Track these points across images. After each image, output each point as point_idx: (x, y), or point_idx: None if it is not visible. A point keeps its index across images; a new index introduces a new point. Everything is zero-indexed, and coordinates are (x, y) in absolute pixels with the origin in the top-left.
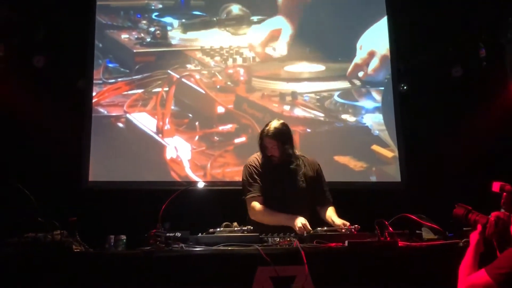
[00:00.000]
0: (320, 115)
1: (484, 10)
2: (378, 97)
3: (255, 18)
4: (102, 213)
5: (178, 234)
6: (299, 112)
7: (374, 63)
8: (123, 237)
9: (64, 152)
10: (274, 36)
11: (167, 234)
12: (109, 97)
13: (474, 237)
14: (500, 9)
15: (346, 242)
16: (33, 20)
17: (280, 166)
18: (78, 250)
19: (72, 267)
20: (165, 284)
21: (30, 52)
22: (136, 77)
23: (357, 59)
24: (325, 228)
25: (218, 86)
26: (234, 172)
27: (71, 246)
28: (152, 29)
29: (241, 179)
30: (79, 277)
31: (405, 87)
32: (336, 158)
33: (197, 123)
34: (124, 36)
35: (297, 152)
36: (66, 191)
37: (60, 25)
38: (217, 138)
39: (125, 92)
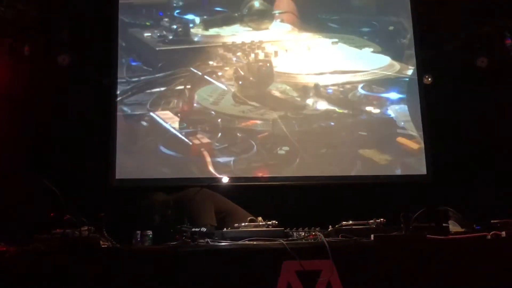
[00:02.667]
0: (344, 108)
1: None
2: (402, 88)
3: (277, 12)
4: (128, 210)
5: (204, 229)
6: (322, 105)
7: None
8: (149, 232)
9: (91, 151)
10: (296, 29)
11: (193, 229)
12: (132, 96)
13: None
14: None
15: (372, 236)
16: (57, 19)
17: None
18: (105, 246)
19: (99, 262)
20: (191, 279)
21: (55, 51)
22: (159, 75)
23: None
24: (351, 221)
25: (240, 82)
26: (258, 168)
27: (99, 241)
28: (174, 26)
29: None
30: (106, 272)
31: (429, 79)
32: (361, 151)
33: (219, 120)
34: (146, 34)
35: None
36: (94, 189)
37: (83, 25)
38: (240, 135)
39: (148, 91)
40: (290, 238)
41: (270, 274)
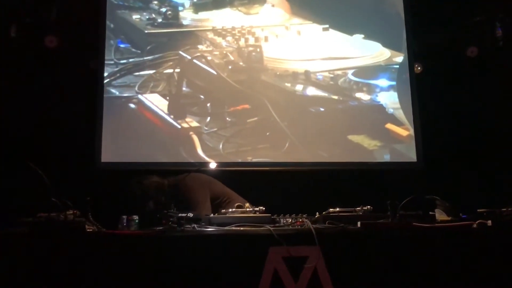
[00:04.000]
0: (334, 94)
1: None
2: (392, 75)
3: None
4: (115, 194)
5: (191, 215)
6: (312, 91)
7: None
8: (136, 217)
9: (77, 133)
10: (286, 15)
11: (180, 215)
12: (120, 78)
13: None
14: None
15: (359, 223)
16: (44, 0)
17: None
18: (91, 230)
19: (84, 246)
20: (177, 264)
21: (42, 32)
22: (148, 58)
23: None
24: (338, 208)
25: (230, 67)
26: (247, 152)
27: (84, 226)
28: (163, 9)
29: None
30: (92, 256)
31: (419, 68)
32: (350, 137)
33: (208, 104)
34: (135, 16)
35: None
36: (79, 172)
37: (71, 5)
38: (229, 119)
39: (137, 73)
40: (277, 225)
41: (257, 260)
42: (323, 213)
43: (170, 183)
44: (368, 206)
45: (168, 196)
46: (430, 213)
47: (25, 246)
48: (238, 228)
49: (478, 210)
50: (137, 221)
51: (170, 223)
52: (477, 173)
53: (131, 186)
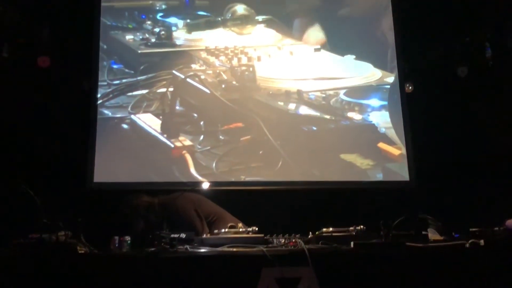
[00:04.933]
0: (326, 113)
1: (490, 10)
2: (384, 95)
3: (260, 18)
4: (107, 214)
5: (183, 235)
6: (304, 110)
7: None
8: (128, 238)
9: (69, 153)
10: (279, 35)
11: (172, 235)
12: (113, 98)
13: None
14: (506, 8)
15: (352, 243)
16: (38, 20)
17: None
18: (83, 251)
19: (76, 268)
20: (170, 285)
21: (35, 53)
22: (141, 78)
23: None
24: (331, 228)
25: (223, 86)
26: (240, 171)
27: (76, 247)
28: (157, 29)
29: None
30: (84, 278)
31: (410, 87)
32: (343, 156)
33: (202, 123)
34: (128, 37)
35: None
36: (71, 192)
37: (65, 26)
38: (223, 138)
39: (130, 93)
40: (270, 245)
41: (250, 281)
42: (316, 233)
43: (160, 202)
44: (361, 226)
45: (158, 215)
46: (423, 232)
47: (16, 268)
48: (231, 249)
49: (470, 229)
50: (129, 242)
51: (162, 244)
52: (469, 191)
53: (121, 205)
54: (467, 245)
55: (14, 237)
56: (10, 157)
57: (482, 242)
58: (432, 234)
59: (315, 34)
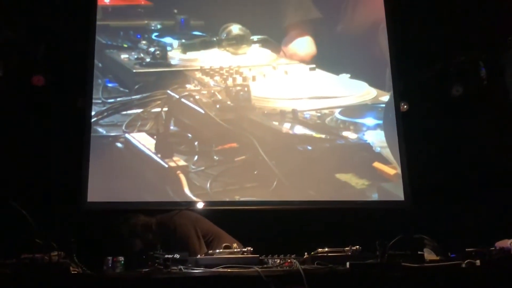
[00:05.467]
0: (321, 132)
1: (484, 29)
2: (379, 114)
3: (255, 38)
4: (100, 234)
5: (177, 256)
6: (299, 129)
7: None
8: (121, 258)
9: (63, 172)
10: (274, 54)
11: (166, 256)
12: (108, 117)
13: None
14: (499, 28)
15: (348, 263)
16: (33, 39)
17: None
18: (76, 272)
19: None
20: None
21: (30, 71)
22: (136, 97)
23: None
24: (326, 249)
25: (217, 106)
26: (234, 191)
27: (69, 267)
28: (152, 49)
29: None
30: None
31: (405, 106)
32: (338, 176)
33: (196, 143)
34: (123, 56)
35: None
36: (65, 212)
37: (59, 45)
38: (217, 158)
39: (124, 112)
40: (265, 265)
41: None
42: (312, 253)
43: (157, 222)
44: (357, 246)
45: (156, 234)
46: (419, 252)
47: None
48: (226, 270)
49: (466, 249)
50: (122, 262)
51: (156, 264)
52: (464, 211)
53: (117, 225)
54: (463, 265)
55: (6, 257)
56: (2, 175)
57: (478, 262)
58: (428, 254)
59: (309, 48)
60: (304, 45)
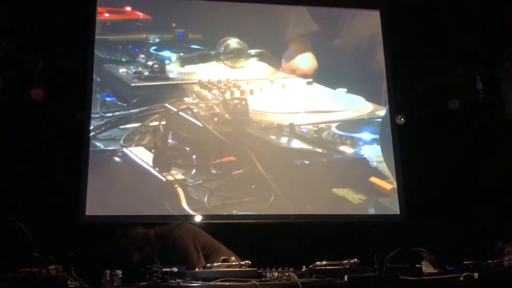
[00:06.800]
0: (318, 147)
1: (480, 43)
2: (375, 128)
3: (252, 52)
4: (98, 248)
5: (175, 269)
6: (296, 144)
7: None
8: (119, 272)
9: (61, 186)
10: (271, 68)
11: (164, 269)
12: (106, 131)
13: None
14: (496, 42)
15: (346, 277)
16: (32, 53)
17: None
18: (73, 286)
19: None
20: None
21: (28, 85)
22: (134, 110)
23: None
24: (324, 262)
25: (215, 119)
26: (232, 206)
27: (66, 281)
28: (150, 63)
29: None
30: None
31: (402, 119)
32: (335, 190)
33: (194, 156)
34: (122, 70)
35: None
36: (63, 225)
37: (58, 59)
38: (215, 171)
39: (122, 126)
40: (263, 279)
41: None
42: (310, 266)
43: (156, 234)
44: (355, 259)
45: (154, 247)
46: (417, 265)
47: None
48: (224, 283)
49: (464, 262)
50: (120, 276)
51: (154, 278)
52: (461, 224)
53: (116, 237)
54: (462, 278)
55: (4, 271)
56: (0, 189)
57: (476, 275)
58: (426, 267)
59: (310, 62)
60: (306, 59)
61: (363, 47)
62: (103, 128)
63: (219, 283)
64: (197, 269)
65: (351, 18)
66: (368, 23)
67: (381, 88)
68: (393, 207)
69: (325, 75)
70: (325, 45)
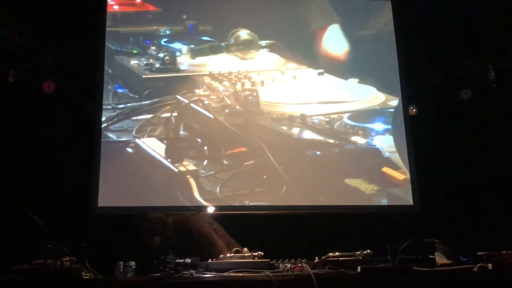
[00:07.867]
0: (330, 137)
1: (493, 32)
2: (388, 119)
3: (263, 43)
4: (111, 239)
5: (188, 260)
6: (308, 134)
7: None
8: (133, 263)
9: (74, 178)
10: (282, 59)
11: (177, 260)
12: (118, 122)
13: None
14: (508, 31)
15: (359, 268)
16: (43, 45)
17: None
18: (87, 277)
19: None
20: None
21: (40, 77)
22: (145, 102)
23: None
24: (337, 253)
25: (226, 110)
26: (244, 196)
27: (81, 273)
28: (161, 55)
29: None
30: None
31: (414, 110)
32: (347, 181)
33: (205, 148)
34: (133, 62)
35: None
36: (76, 217)
37: (69, 51)
38: (226, 162)
39: (134, 118)
40: (276, 270)
41: None
42: (322, 257)
43: (174, 221)
44: (368, 250)
45: (173, 232)
46: (430, 256)
47: None
48: (237, 274)
49: (478, 253)
50: (134, 267)
51: (167, 269)
52: (475, 215)
53: (134, 223)
54: (475, 269)
55: (18, 263)
56: (14, 182)
57: (490, 265)
58: (440, 258)
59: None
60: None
61: (374, 38)
62: (115, 119)
63: (232, 274)
64: (209, 260)
65: (362, 8)
66: (380, 14)
67: (393, 78)
68: (406, 197)
69: (336, 66)
70: (341, 35)
